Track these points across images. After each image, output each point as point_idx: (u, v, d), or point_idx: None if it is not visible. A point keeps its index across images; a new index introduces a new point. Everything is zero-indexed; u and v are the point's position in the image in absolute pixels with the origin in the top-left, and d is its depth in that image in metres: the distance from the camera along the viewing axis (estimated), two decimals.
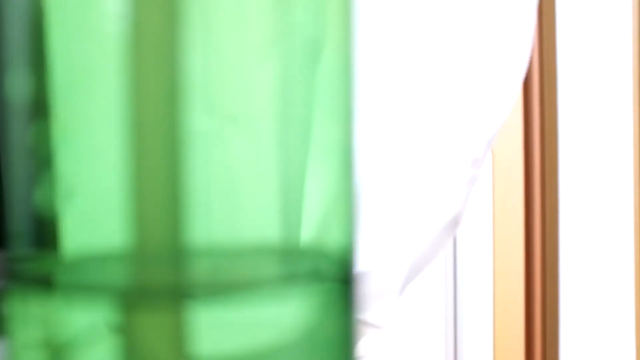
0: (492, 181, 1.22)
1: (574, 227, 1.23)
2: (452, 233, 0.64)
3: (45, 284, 0.26)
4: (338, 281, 0.27)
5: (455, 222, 0.63)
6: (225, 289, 0.25)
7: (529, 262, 1.22)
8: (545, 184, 1.22)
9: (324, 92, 0.26)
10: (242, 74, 0.25)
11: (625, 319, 1.22)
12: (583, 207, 1.22)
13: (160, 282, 0.25)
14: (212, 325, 0.25)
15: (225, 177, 0.25)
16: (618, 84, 1.20)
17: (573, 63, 1.19)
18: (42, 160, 0.25)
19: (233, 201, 0.25)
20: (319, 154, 0.26)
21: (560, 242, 1.23)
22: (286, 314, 0.25)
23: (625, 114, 1.21)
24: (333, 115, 0.27)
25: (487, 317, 1.23)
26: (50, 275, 0.26)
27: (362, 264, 0.60)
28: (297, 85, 0.26)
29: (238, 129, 0.25)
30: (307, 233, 0.26)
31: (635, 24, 1.19)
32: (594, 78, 1.20)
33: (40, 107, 0.25)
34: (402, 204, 0.61)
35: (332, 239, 0.27)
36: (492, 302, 1.23)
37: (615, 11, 1.19)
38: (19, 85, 0.26)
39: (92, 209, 0.25)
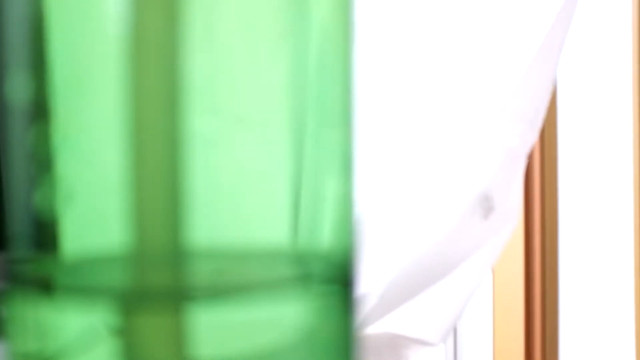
0: None
1: (574, 227, 1.23)
2: (486, 216, 0.56)
3: (45, 286, 0.26)
4: (338, 283, 0.27)
5: (485, 201, 0.56)
6: (225, 291, 0.25)
7: (529, 264, 1.22)
8: (545, 184, 1.22)
9: (325, 93, 0.26)
10: (250, 74, 0.25)
11: (625, 321, 1.22)
12: (582, 209, 1.22)
13: (160, 284, 0.25)
14: (212, 328, 0.25)
15: (231, 180, 0.25)
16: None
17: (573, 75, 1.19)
18: (42, 163, 0.25)
19: (236, 204, 0.25)
20: (318, 156, 0.26)
21: (560, 243, 1.23)
22: (286, 316, 0.25)
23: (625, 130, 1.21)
24: (334, 117, 0.27)
25: (487, 318, 1.23)
26: (50, 277, 0.26)
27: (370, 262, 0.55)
28: (309, 84, 0.26)
29: (247, 131, 0.25)
30: (308, 235, 0.26)
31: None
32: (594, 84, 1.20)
33: (40, 110, 0.25)
34: (411, 177, 0.55)
35: (332, 241, 0.27)
36: (492, 303, 1.23)
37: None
38: (19, 88, 0.26)
39: (92, 211, 0.25)
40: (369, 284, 0.54)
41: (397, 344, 0.57)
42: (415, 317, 0.57)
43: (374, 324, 0.56)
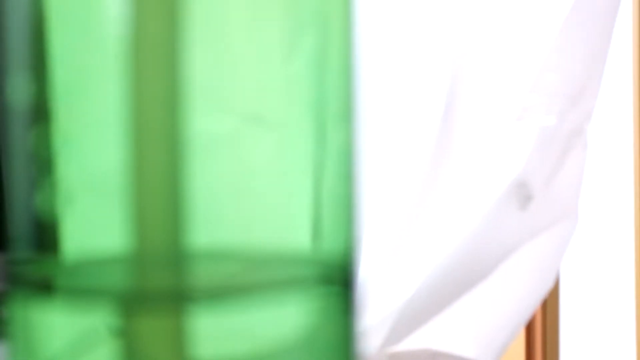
0: None
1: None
2: (523, 205, 0.51)
3: (45, 287, 0.26)
4: (339, 285, 0.27)
5: (519, 187, 0.51)
6: (226, 293, 0.25)
7: None
8: None
9: (330, 93, 0.26)
10: (261, 72, 0.25)
11: (626, 322, 1.22)
12: (584, 209, 1.22)
13: (161, 286, 0.25)
14: (212, 329, 0.25)
15: (236, 180, 0.25)
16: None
17: None
18: (43, 164, 0.25)
19: (241, 205, 0.25)
20: (325, 157, 0.26)
21: None
22: (287, 318, 0.25)
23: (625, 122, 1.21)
24: (339, 118, 0.27)
25: None
26: (50, 278, 0.26)
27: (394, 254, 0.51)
28: (330, 80, 0.26)
29: (262, 130, 0.25)
30: (308, 237, 0.26)
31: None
32: None
33: (41, 111, 0.25)
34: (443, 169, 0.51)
35: (335, 242, 0.27)
36: None
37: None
38: (19, 89, 0.26)
39: (93, 212, 0.25)
40: (401, 295, 0.50)
41: None
42: (460, 333, 0.52)
43: (407, 337, 0.52)
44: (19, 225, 0.26)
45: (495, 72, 0.52)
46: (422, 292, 0.51)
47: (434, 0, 0.53)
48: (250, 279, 0.25)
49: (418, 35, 0.53)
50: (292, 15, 0.25)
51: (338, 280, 0.27)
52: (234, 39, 0.25)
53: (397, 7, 0.54)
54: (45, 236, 0.26)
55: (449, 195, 0.51)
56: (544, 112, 0.52)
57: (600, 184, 1.21)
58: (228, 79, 0.25)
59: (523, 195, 0.52)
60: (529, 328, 1.22)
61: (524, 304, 0.53)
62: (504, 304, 0.53)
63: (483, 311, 0.53)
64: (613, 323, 1.22)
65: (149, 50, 0.24)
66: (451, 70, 0.52)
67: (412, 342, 0.51)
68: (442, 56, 0.53)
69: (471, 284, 0.52)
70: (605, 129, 1.21)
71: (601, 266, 1.22)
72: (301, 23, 0.25)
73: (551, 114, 0.52)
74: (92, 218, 0.25)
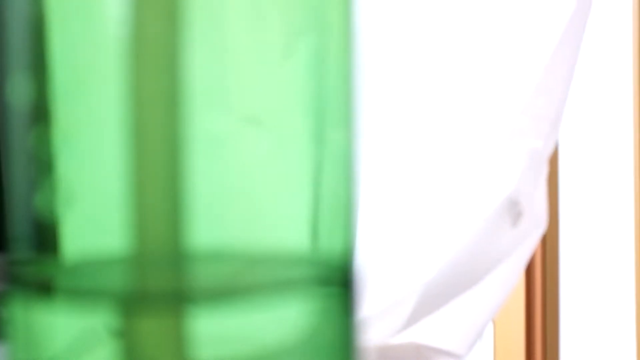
0: None
1: (575, 229, 1.23)
2: (515, 222, 0.56)
3: (45, 288, 0.25)
4: (338, 285, 0.27)
5: (512, 205, 0.55)
6: (226, 294, 0.25)
7: (530, 264, 1.22)
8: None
9: (337, 94, 0.26)
10: (260, 73, 0.25)
11: (626, 322, 1.22)
12: (583, 210, 1.22)
13: (161, 287, 0.25)
14: (212, 330, 0.25)
15: (237, 181, 0.25)
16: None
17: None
18: (43, 165, 0.25)
19: (242, 205, 0.25)
20: (326, 158, 0.26)
21: (560, 242, 1.23)
22: (287, 319, 0.25)
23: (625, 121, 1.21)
24: (337, 119, 0.27)
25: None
26: (50, 279, 0.26)
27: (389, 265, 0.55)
28: (328, 81, 0.26)
29: (260, 131, 0.25)
30: (313, 238, 0.26)
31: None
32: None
33: (41, 112, 0.25)
34: (434, 185, 0.55)
35: (335, 243, 0.27)
36: None
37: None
38: (20, 90, 0.26)
39: (93, 213, 0.25)
40: (398, 294, 0.54)
41: (422, 354, 0.57)
42: (441, 328, 0.57)
43: (402, 333, 0.56)
44: (18, 225, 0.26)
45: (489, 91, 0.55)
46: (419, 295, 0.55)
47: (433, 8, 0.55)
48: (249, 280, 0.25)
49: (417, 42, 0.56)
50: (290, 17, 0.25)
51: (338, 281, 0.27)
52: (233, 40, 0.25)
53: (397, 11, 0.55)
54: (45, 237, 0.26)
55: (446, 209, 0.55)
56: (533, 136, 0.56)
57: (600, 183, 1.21)
58: (227, 80, 0.25)
59: (515, 212, 0.56)
60: (529, 327, 1.22)
61: (497, 303, 0.58)
62: (482, 304, 0.58)
63: (464, 311, 0.58)
64: (613, 323, 1.22)
65: (148, 50, 0.24)
66: (447, 86, 0.55)
67: (398, 336, 0.55)
68: (438, 71, 0.55)
69: (462, 291, 0.57)
70: (605, 128, 1.20)
71: (601, 266, 1.22)
72: (299, 24, 0.25)
73: (539, 138, 0.56)
74: (92, 219, 0.25)
